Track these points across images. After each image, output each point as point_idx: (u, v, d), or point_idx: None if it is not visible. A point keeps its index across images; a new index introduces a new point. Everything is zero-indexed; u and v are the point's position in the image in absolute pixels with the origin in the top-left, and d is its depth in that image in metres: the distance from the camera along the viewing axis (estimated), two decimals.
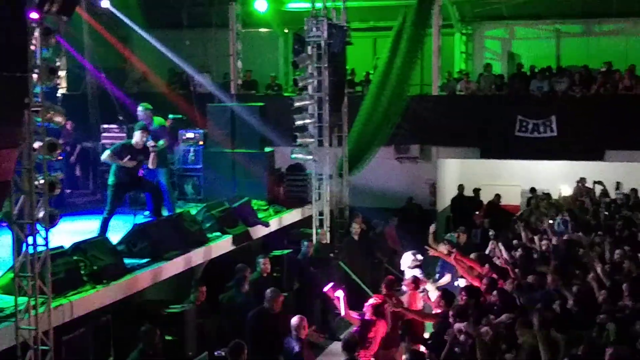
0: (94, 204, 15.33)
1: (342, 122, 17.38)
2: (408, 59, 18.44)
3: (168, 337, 9.98)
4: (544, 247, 13.32)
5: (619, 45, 22.49)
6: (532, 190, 20.01)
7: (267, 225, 14.74)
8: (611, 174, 19.87)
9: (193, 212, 13.62)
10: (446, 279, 13.39)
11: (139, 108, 14.22)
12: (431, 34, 20.45)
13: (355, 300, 11.47)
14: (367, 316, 10.42)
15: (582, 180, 19.73)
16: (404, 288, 12.13)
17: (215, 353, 8.93)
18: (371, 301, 10.63)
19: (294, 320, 9.77)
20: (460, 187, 20.38)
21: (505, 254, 12.62)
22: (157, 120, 14.29)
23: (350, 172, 18.02)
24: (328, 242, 15.60)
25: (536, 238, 13.78)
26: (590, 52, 22.48)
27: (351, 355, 8.88)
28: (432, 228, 14.01)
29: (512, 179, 21.68)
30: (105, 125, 17.17)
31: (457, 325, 9.40)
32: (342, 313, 10.61)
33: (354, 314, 10.61)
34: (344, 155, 17.68)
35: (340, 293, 10.61)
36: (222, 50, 21.98)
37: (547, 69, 20.77)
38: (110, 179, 12.39)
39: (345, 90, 17.73)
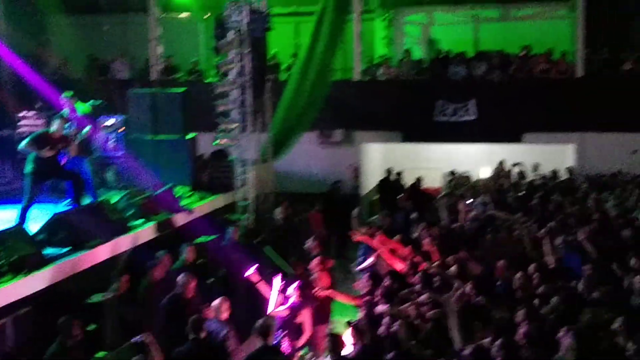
0: (13, 193, 14.94)
1: (265, 108, 17.37)
2: (330, 44, 18.54)
3: (89, 328, 9.83)
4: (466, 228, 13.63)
5: (535, 29, 23.00)
6: (452, 172, 20.36)
7: (190, 212, 14.64)
8: (529, 156, 20.39)
9: (114, 199, 13.42)
10: (370, 261, 13.52)
11: (62, 96, 13.97)
12: (352, 19, 20.56)
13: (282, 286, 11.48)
14: (293, 300, 10.46)
15: (502, 162, 20.18)
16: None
17: (134, 340, 8.80)
18: (294, 285, 10.68)
19: (215, 302, 9.72)
20: (388, 171, 20.58)
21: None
22: (82, 108, 14.04)
23: (274, 157, 18.03)
24: (253, 228, 15.60)
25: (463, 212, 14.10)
26: (507, 37, 22.95)
27: (266, 340, 8.85)
28: (355, 212, 14.14)
29: (433, 162, 22.00)
30: (23, 113, 16.73)
31: (380, 308, 9.54)
32: (270, 310, 10.60)
33: (281, 308, 10.60)
34: (268, 141, 17.66)
35: (276, 287, 10.62)
36: (141, 35, 21.62)
37: (465, 53, 21.08)
38: (28, 168, 12.12)
39: (268, 75, 17.71)
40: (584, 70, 19.59)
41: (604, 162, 18.92)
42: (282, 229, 15.84)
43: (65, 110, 13.64)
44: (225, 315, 9.69)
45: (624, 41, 21.16)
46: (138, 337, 8.21)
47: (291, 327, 10.32)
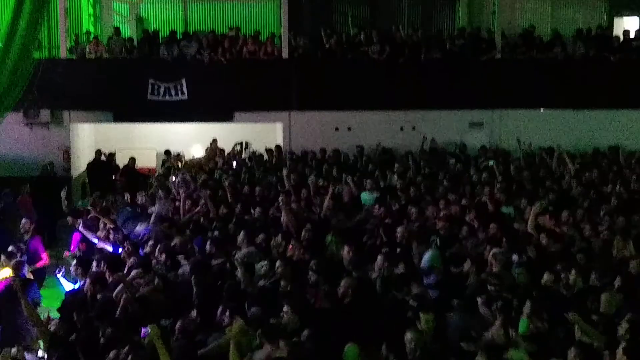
0: None
1: None
2: (33, 21, 17.66)
3: None
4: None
5: (242, 11, 23.66)
6: (167, 152, 20.43)
7: None
8: (241, 134, 21.05)
9: None
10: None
11: None
12: None
13: None
14: None
15: (214, 141, 20.59)
16: None
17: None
18: None
19: None
20: (98, 152, 20.16)
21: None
22: None
23: None
24: None
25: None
26: (216, 17, 23.39)
27: None
28: (63, 194, 13.86)
29: (147, 142, 21.91)
30: None
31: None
32: None
33: None
34: None
35: None
36: None
37: (174, 33, 21.08)
38: None
39: None
40: (289, 52, 20.43)
41: (309, 139, 20.00)
42: None
43: None
44: None
45: (326, 24, 22.35)
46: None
47: None
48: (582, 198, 14.00)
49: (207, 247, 11.22)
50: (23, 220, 13.75)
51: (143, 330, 7.61)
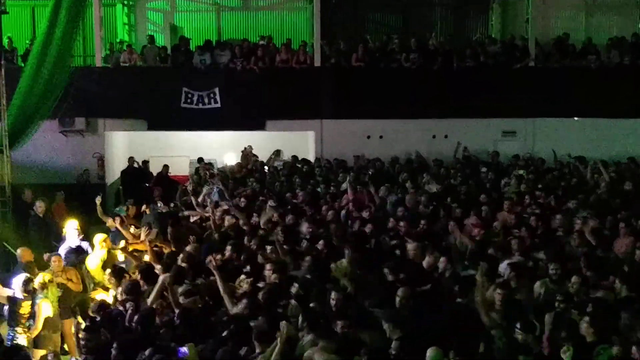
0: None
1: (0, 95, 16.44)
2: (68, 30, 17.81)
3: None
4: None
5: (275, 19, 23.77)
6: (200, 160, 20.54)
7: None
8: (273, 142, 21.08)
9: None
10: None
11: None
12: (92, 4, 19.99)
13: None
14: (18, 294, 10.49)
15: (248, 148, 20.67)
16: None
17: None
18: (18, 279, 10.56)
19: None
20: (131, 160, 20.34)
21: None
22: None
23: (11, 147, 17.12)
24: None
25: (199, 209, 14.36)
26: (249, 26, 23.53)
27: None
28: (98, 200, 13.98)
29: (180, 149, 22.05)
30: None
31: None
32: None
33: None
34: (4, 130, 16.74)
35: None
36: None
37: (208, 41, 21.22)
38: None
39: (2, 61, 16.79)
40: (321, 60, 20.46)
41: (341, 148, 20.00)
42: (42, 221, 15.18)
43: None
44: None
45: (359, 33, 22.39)
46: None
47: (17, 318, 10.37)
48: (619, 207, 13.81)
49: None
50: None
51: (180, 350, 7.57)
